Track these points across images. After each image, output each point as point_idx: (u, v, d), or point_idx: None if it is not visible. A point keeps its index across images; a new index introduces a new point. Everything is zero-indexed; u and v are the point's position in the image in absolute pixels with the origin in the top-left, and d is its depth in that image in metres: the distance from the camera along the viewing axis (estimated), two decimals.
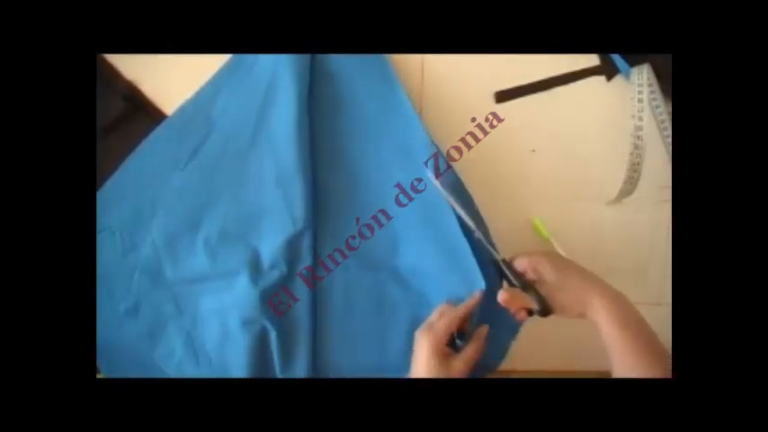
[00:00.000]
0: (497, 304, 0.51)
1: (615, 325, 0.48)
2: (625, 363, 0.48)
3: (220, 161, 0.56)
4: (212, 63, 0.57)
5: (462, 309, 0.51)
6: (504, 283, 0.53)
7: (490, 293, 0.52)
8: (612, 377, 0.48)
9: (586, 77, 0.59)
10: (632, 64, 0.58)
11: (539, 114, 0.59)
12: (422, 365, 0.49)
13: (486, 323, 0.53)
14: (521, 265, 0.53)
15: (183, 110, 0.57)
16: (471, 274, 0.52)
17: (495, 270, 0.53)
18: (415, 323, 0.54)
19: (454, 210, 0.53)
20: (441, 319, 0.51)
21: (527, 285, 0.51)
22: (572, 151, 0.60)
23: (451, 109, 0.59)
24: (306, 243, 0.56)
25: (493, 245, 0.53)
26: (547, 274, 0.51)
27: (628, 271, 0.61)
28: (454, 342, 0.52)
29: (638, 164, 0.57)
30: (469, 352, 0.51)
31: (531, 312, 0.51)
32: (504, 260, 0.52)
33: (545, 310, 0.50)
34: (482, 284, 0.52)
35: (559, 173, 0.60)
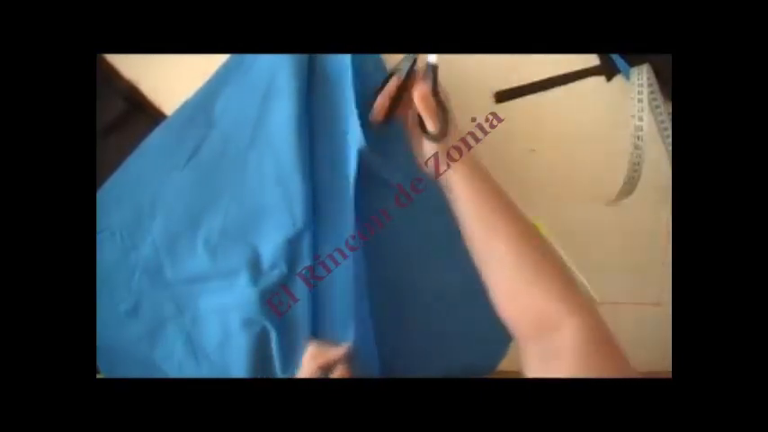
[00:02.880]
0: None
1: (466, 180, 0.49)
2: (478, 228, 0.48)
3: (220, 160, 0.56)
4: (212, 63, 0.57)
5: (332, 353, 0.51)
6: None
7: None
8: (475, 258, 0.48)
9: (586, 77, 0.59)
10: (632, 64, 0.58)
11: (539, 114, 0.59)
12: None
13: None
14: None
15: (182, 110, 0.57)
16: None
17: None
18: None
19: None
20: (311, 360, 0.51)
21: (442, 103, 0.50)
22: (572, 151, 0.60)
23: (451, 109, 0.59)
24: (306, 243, 0.56)
25: None
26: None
27: (628, 271, 0.61)
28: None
29: (638, 164, 0.57)
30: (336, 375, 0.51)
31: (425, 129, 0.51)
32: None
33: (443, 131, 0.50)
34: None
35: (559, 173, 0.60)
